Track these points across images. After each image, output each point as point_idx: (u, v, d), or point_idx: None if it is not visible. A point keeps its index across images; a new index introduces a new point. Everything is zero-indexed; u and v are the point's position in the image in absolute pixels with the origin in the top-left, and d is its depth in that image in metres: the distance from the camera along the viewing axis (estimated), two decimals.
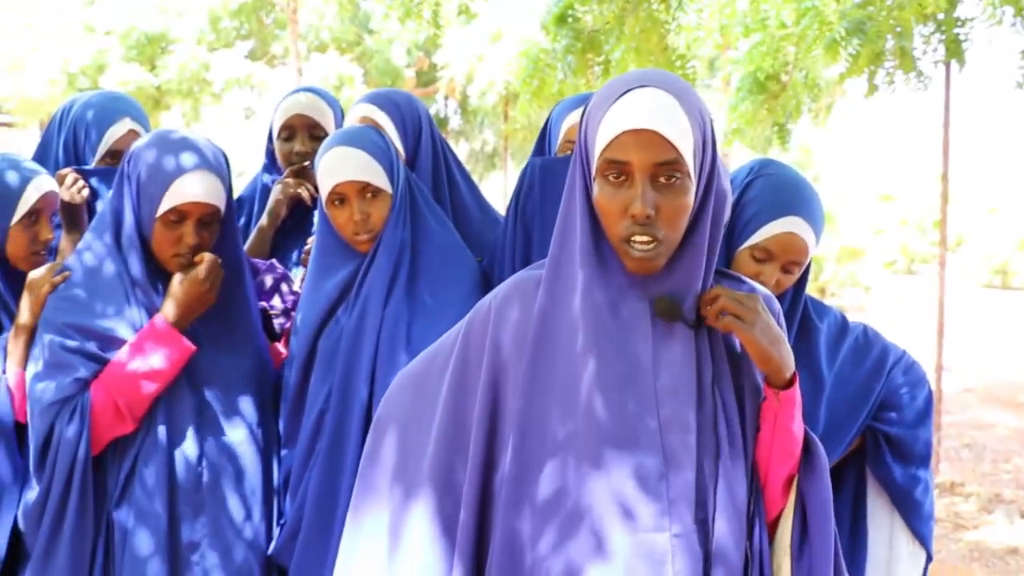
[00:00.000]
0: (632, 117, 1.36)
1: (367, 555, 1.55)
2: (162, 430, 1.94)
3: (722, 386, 1.46)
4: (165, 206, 1.94)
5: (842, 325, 2.15)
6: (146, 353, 1.92)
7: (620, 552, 1.36)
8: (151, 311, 1.97)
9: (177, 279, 1.96)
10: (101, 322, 1.95)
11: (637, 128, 1.35)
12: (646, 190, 1.36)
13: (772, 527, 1.52)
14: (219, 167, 2.00)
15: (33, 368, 1.96)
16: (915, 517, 2.08)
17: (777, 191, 2.03)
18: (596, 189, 1.40)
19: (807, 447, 1.52)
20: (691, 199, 1.39)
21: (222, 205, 2.01)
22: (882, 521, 2.13)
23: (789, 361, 1.46)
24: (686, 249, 1.42)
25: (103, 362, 1.94)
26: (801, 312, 2.10)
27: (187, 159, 1.96)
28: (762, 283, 2.02)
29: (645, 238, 1.37)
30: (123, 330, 1.96)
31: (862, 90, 4.57)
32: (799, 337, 2.10)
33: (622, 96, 1.38)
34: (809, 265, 2.07)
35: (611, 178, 1.38)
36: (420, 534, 1.49)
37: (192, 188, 1.94)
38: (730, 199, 1.51)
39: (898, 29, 3.95)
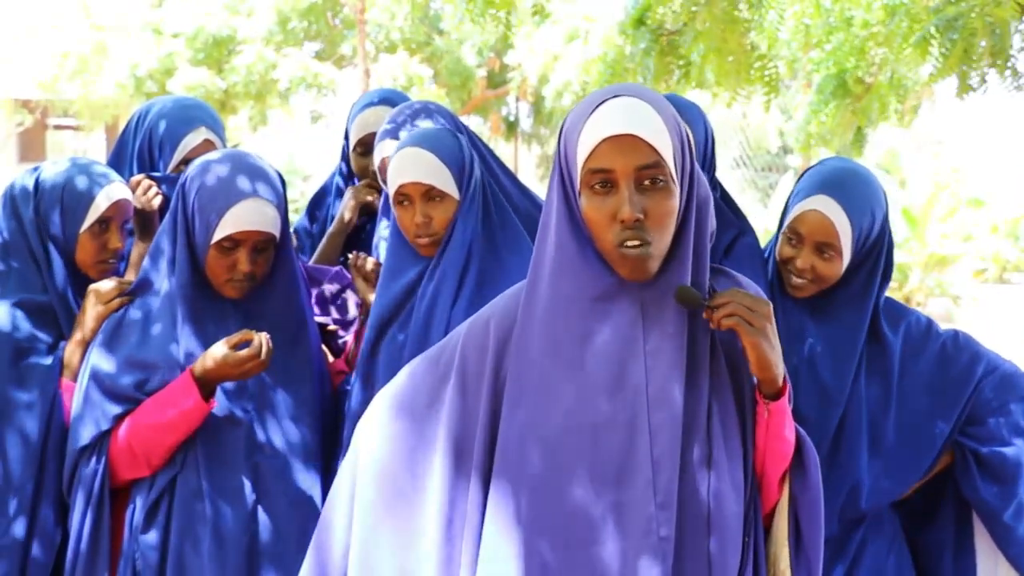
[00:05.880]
0: (610, 125, 1.39)
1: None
2: (204, 466, 1.93)
3: (719, 391, 1.48)
4: (219, 234, 1.94)
5: (926, 329, 2.05)
6: (167, 404, 1.91)
7: (609, 557, 1.40)
8: (205, 341, 1.96)
9: (222, 349, 1.88)
10: (153, 352, 1.96)
11: (616, 134, 1.39)
12: (632, 194, 1.39)
13: (767, 519, 1.57)
14: (274, 192, 1.99)
15: (74, 396, 1.98)
16: (1005, 541, 1.96)
17: (816, 175, 2.00)
18: (583, 202, 1.43)
19: (798, 447, 1.55)
20: (676, 202, 1.41)
21: (277, 231, 2.00)
22: (989, 547, 2.02)
23: (782, 370, 1.48)
24: (675, 254, 1.44)
25: (137, 402, 1.94)
26: (871, 316, 2.01)
27: (241, 186, 1.95)
28: (798, 269, 1.97)
29: (636, 241, 1.40)
30: (174, 362, 1.95)
31: (952, 91, 4.39)
32: (870, 342, 2.01)
33: (598, 107, 1.41)
34: (887, 269, 2.00)
35: (596, 188, 1.41)
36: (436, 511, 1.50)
37: (246, 217, 1.94)
38: (712, 204, 1.52)
39: (995, 28, 3.78)
